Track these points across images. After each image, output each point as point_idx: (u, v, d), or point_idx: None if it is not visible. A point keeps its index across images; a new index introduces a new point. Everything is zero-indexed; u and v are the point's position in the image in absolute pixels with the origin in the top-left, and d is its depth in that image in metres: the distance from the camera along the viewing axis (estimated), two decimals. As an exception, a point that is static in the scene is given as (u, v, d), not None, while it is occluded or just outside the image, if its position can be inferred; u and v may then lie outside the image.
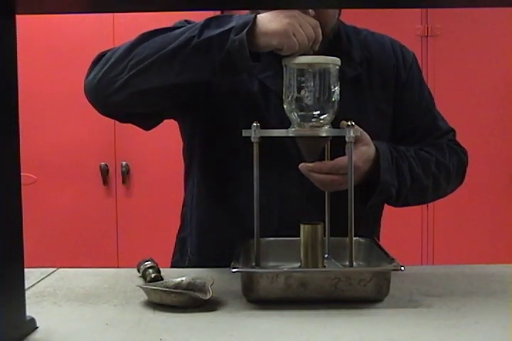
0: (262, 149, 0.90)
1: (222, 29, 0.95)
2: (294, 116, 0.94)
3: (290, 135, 0.93)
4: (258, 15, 0.96)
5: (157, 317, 0.81)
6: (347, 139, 0.89)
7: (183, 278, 0.91)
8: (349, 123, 0.89)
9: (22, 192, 0.73)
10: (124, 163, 2.71)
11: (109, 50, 1.05)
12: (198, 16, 1.02)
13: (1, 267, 0.69)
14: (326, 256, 1.00)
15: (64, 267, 1.11)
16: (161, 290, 0.85)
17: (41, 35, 2.62)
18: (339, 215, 0.93)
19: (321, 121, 0.93)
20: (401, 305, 0.86)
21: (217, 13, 2.12)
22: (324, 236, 0.98)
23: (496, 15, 2.70)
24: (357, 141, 0.98)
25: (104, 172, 2.71)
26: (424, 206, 2.76)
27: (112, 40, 2.52)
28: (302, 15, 0.96)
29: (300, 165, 0.98)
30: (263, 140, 0.90)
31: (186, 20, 1.10)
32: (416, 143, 1.17)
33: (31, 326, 0.76)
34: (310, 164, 0.97)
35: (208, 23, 0.98)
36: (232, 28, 0.94)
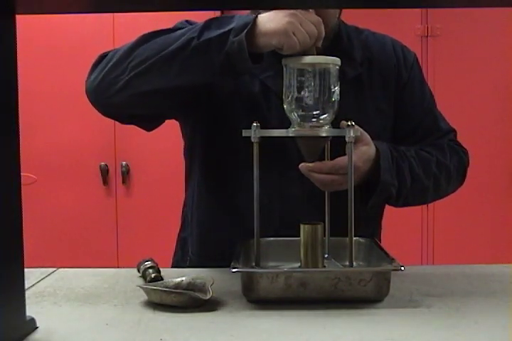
0: (262, 149, 0.90)
1: (221, 30, 0.94)
2: (294, 116, 0.94)
3: (290, 135, 0.93)
4: (259, 16, 0.95)
5: (157, 317, 0.81)
6: (347, 139, 0.89)
7: (183, 278, 0.90)
8: (349, 123, 0.89)
9: (22, 192, 0.73)
10: (124, 163, 2.71)
11: (110, 51, 1.05)
12: (198, 16, 1.01)
13: (1, 267, 0.69)
14: (326, 256, 1.00)
15: (64, 267, 1.10)
16: (161, 290, 0.85)
17: (41, 35, 2.62)
18: (339, 215, 0.93)
19: (321, 121, 0.93)
20: (401, 305, 0.86)
21: (218, 13, 2.13)
22: (324, 236, 0.98)
23: (496, 15, 2.70)
24: (357, 140, 0.98)
25: (104, 172, 2.71)
26: (424, 206, 2.76)
27: (112, 40, 2.53)
28: (303, 13, 0.94)
29: (300, 165, 0.98)
30: (263, 140, 0.90)
31: (187, 21, 1.10)
32: (416, 143, 1.17)
33: (31, 326, 0.76)
34: (310, 164, 0.97)
35: (208, 24, 0.97)
36: (231, 29, 0.93)
